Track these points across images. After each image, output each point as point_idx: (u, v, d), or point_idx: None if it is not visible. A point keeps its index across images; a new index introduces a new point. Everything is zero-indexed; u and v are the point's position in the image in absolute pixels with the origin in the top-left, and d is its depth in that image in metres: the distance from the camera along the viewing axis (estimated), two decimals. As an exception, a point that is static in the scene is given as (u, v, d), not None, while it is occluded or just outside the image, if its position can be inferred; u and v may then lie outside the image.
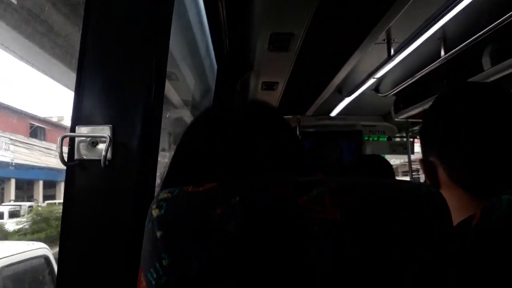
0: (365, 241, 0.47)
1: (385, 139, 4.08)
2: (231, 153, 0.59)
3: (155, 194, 0.51)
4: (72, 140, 0.69)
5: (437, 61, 2.40)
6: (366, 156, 2.00)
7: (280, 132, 0.63)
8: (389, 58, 2.37)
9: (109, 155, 0.67)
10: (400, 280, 0.47)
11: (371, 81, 2.80)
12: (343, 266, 0.46)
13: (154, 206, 0.49)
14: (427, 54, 2.44)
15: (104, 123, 0.68)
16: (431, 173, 0.75)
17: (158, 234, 0.47)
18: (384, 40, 2.29)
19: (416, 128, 4.03)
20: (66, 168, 0.68)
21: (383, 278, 0.47)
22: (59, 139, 0.67)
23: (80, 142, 0.68)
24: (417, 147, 4.50)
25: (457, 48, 2.21)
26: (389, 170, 1.85)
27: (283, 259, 0.46)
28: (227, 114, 0.64)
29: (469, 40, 2.11)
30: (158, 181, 0.72)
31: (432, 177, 0.75)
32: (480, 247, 0.69)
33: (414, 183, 0.52)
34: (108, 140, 0.66)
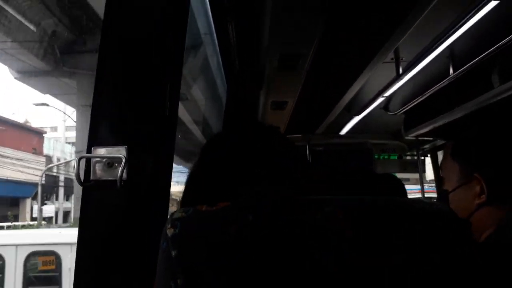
0: (378, 258, 0.47)
1: (396, 157, 4.05)
2: (245, 174, 0.60)
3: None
4: (88, 161, 0.70)
5: (446, 79, 2.40)
6: (378, 175, 1.98)
7: (289, 154, 0.65)
8: (398, 76, 2.38)
9: (124, 175, 0.68)
10: None
11: (380, 100, 2.81)
12: (355, 283, 0.46)
13: (168, 226, 0.50)
14: (435, 72, 2.45)
15: (120, 144, 0.70)
16: (490, 186, 0.78)
17: (173, 253, 0.48)
18: (392, 59, 2.31)
19: (427, 146, 4.00)
20: (83, 188, 0.70)
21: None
22: (76, 160, 0.69)
23: (96, 162, 0.70)
24: (428, 165, 4.46)
25: (465, 67, 2.21)
26: (402, 189, 1.83)
27: (297, 276, 0.46)
28: (241, 137, 0.66)
29: (477, 58, 2.11)
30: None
31: (491, 190, 0.78)
32: (493, 259, 0.69)
33: (425, 202, 0.52)
34: (123, 161, 0.68)
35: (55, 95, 16.11)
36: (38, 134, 24.61)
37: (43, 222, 15.80)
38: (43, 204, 18.13)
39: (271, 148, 0.65)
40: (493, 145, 0.80)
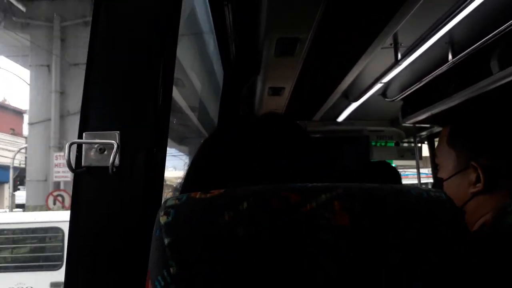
0: (375, 247, 0.46)
1: (393, 144, 4.05)
2: (243, 171, 0.60)
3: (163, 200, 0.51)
4: (79, 146, 0.69)
5: (445, 65, 2.38)
6: (373, 162, 1.99)
7: (298, 144, 0.65)
8: (396, 62, 2.36)
9: (116, 161, 0.66)
10: (409, 286, 0.46)
11: (378, 86, 2.79)
12: (351, 272, 0.46)
13: (161, 213, 0.49)
14: (434, 58, 2.43)
15: (112, 129, 0.68)
16: (487, 175, 0.77)
17: (166, 241, 0.47)
18: (391, 44, 2.28)
19: (424, 133, 4.00)
20: (74, 174, 0.68)
21: (391, 286, 0.46)
22: (66, 145, 0.67)
23: (87, 148, 0.68)
24: (425, 152, 4.47)
25: (465, 52, 2.19)
26: (397, 176, 1.84)
27: (291, 264, 0.46)
28: (239, 133, 0.65)
29: (477, 44, 2.10)
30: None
31: (488, 179, 0.77)
32: (489, 250, 0.69)
33: (422, 188, 0.51)
34: (115, 146, 0.66)
35: (9, 56, 13.80)
36: (17, 113, 23.28)
37: (16, 210, 14.41)
38: (15, 189, 16.89)
39: (270, 144, 0.63)
40: (491, 133, 0.79)
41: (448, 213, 0.48)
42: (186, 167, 0.67)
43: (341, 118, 3.83)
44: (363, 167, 1.93)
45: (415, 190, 0.50)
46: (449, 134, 0.86)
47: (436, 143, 3.97)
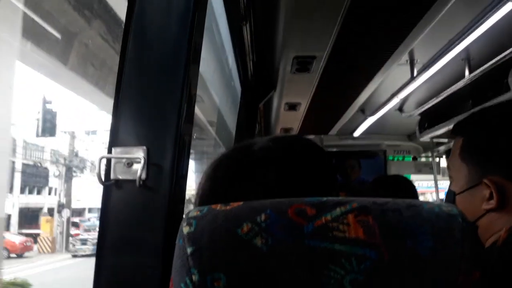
0: (387, 260, 0.48)
1: (410, 159, 4.02)
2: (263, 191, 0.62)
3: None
4: (108, 161, 0.73)
5: (461, 81, 2.37)
6: (389, 176, 1.99)
7: (313, 165, 0.66)
8: (412, 78, 2.36)
9: (143, 175, 0.70)
10: None
11: (394, 101, 2.79)
12: (365, 285, 0.47)
13: (184, 224, 0.51)
14: (451, 74, 2.43)
15: (139, 144, 0.72)
16: (500, 192, 0.74)
17: (189, 250, 0.49)
18: (407, 61, 2.29)
19: (442, 147, 3.96)
20: (103, 187, 0.72)
21: None
22: (97, 159, 0.72)
23: (116, 162, 0.73)
24: (443, 167, 4.41)
25: (481, 68, 2.18)
26: (412, 190, 1.83)
27: (306, 275, 0.47)
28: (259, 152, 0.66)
29: (494, 60, 2.09)
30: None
31: (501, 196, 0.74)
32: (501, 266, 0.68)
33: (434, 203, 0.53)
34: (142, 161, 0.70)
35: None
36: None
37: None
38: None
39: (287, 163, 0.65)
40: (503, 149, 0.75)
41: (459, 228, 0.49)
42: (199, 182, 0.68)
43: (357, 133, 3.83)
44: (378, 181, 1.93)
45: (427, 204, 0.51)
46: (461, 147, 0.81)
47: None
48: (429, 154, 4.08)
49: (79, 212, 27.18)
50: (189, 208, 0.54)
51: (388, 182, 1.89)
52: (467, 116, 0.84)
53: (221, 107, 2.57)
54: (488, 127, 0.79)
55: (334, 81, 2.44)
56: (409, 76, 2.36)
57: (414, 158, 4.05)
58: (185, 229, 0.50)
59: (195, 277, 0.48)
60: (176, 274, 0.50)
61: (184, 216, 0.52)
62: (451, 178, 0.85)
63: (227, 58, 2.11)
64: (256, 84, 2.34)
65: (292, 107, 2.70)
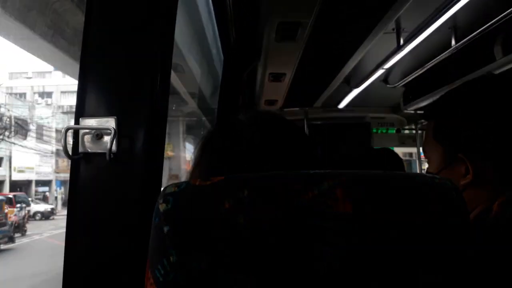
0: (377, 236, 0.45)
1: (394, 131, 4.04)
2: (251, 158, 0.60)
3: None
4: (76, 132, 0.67)
5: (448, 50, 2.36)
6: (376, 149, 1.97)
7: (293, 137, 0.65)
8: (399, 48, 2.34)
9: (114, 148, 0.65)
10: (414, 275, 0.45)
11: (380, 72, 2.77)
12: (353, 261, 0.45)
13: (160, 201, 0.48)
14: (437, 43, 2.40)
15: (109, 115, 0.67)
16: (474, 167, 0.76)
17: (165, 229, 0.46)
18: (393, 29, 2.26)
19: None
20: (71, 161, 0.67)
21: (395, 273, 0.45)
22: (63, 131, 0.66)
23: (84, 134, 0.67)
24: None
25: (468, 37, 2.17)
26: (399, 164, 1.82)
27: (292, 252, 0.45)
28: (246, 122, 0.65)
29: (480, 29, 2.07)
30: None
31: (475, 171, 0.76)
32: (495, 240, 0.69)
33: (427, 175, 0.50)
34: (113, 132, 0.65)
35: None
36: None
37: None
38: None
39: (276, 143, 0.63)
40: (475, 130, 0.77)
41: (453, 200, 0.47)
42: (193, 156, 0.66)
43: (342, 105, 3.81)
44: (365, 154, 1.91)
45: (420, 176, 0.49)
46: (433, 129, 0.84)
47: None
48: (413, 127, 4.10)
49: (21, 187, 24.74)
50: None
51: (375, 155, 1.87)
52: (436, 100, 0.86)
53: (203, 77, 2.50)
54: (456, 108, 0.80)
55: (320, 50, 2.39)
56: (395, 45, 2.33)
57: (398, 131, 4.07)
58: (161, 206, 0.47)
59: (173, 258, 0.45)
60: (152, 255, 0.47)
61: (160, 192, 0.48)
62: (428, 161, 0.87)
63: (208, 25, 2.02)
64: (239, 54, 2.27)
65: (277, 77, 2.64)
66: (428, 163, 0.88)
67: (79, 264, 0.66)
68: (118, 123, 0.66)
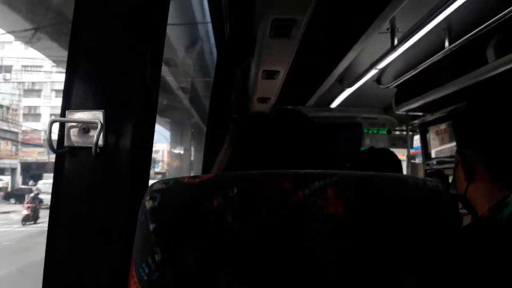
0: (367, 239, 0.44)
1: (385, 132, 4.05)
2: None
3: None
4: (62, 125, 0.65)
5: (441, 52, 2.36)
6: (375, 150, 1.96)
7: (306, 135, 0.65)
8: (392, 48, 2.33)
9: (101, 142, 0.63)
10: (403, 284, 0.44)
11: (373, 72, 2.76)
12: (341, 264, 0.44)
13: (147, 198, 0.47)
14: (431, 45, 2.40)
15: (96, 108, 0.65)
16: (467, 165, 0.81)
17: (151, 227, 0.46)
18: (387, 29, 2.25)
19: (416, 121, 3.99)
20: (56, 155, 0.65)
21: (385, 280, 0.44)
22: (48, 123, 0.64)
23: (70, 127, 0.65)
24: (416, 141, 4.47)
25: (461, 40, 2.17)
26: (397, 164, 1.81)
27: (280, 252, 0.44)
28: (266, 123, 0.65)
29: (474, 31, 2.07)
30: None
31: (467, 168, 0.81)
32: (485, 242, 0.69)
33: (419, 178, 0.50)
34: (99, 126, 0.63)
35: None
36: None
37: None
38: None
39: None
40: (471, 124, 0.83)
41: (444, 203, 0.46)
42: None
43: (334, 104, 3.81)
44: (357, 154, 1.90)
45: (412, 179, 0.48)
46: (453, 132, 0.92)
47: (428, 132, 3.98)
48: (404, 128, 4.11)
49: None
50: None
51: (373, 155, 1.85)
52: (447, 95, 0.95)
53: (196, 72, 2.47)
54: (464, 111, 0.86)
55: (314, 48, 2.38)
56: (389, 45, 2.32)
57: (389, 132, 4.08)
58: (148, 203, 0.46)
59: (158, 256, 0.44)
60: (137, 253, 0.46)
61: (148, 189, 0.47)
62: None
63: (203, 19, 2.00)
64: (233, 50, 2.25)
65: (270, 75, 2.62)
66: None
67: (61, 260, 0.64)
68: (106, 117, 0.64)
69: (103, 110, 0.64)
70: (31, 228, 13.87)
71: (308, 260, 0.44)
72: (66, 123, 0.65)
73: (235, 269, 0.43)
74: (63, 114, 0.65)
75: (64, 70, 0.67)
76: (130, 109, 0.65)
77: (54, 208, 0.65)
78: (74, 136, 0.65)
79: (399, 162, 1.83)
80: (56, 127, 0.66)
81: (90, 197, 0.65)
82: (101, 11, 0.69)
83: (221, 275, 0.43)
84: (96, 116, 0.64)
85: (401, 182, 0.47)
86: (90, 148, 0.63)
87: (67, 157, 0.65)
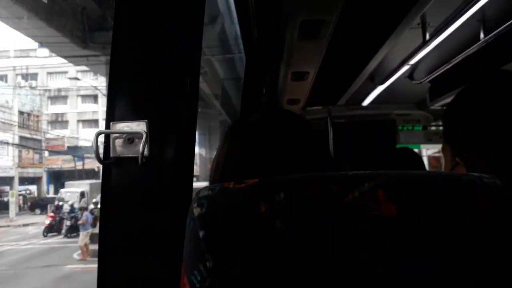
0: (422, 242, 0.42)
1: (420, 128, 3.94)
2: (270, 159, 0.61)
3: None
4: (107, 137, 0.67)
5: (476, 44, 2.28)
6: (396, 149, 1.93)
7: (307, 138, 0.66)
8: (424, 43, 2.28)
9: (146, 151, 0.65)
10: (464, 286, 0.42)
11: (405, 68, 2.71)
12: (396, 268, 0.42)
13: (195, 205, 0.47)
14: (464, 37, 2.33)
15: (139, 118, 0.66)
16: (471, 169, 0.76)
17: (201, 234, 0.45)
18: (418, 24, 2.20)
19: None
20: (103, 166, 0.67)
21: (443, 285, 0.42)
22: (94, 135, 0.66)
23: (115, 138, 0.67)
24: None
25: (497, 30, 2.09)
26: (420, 163, 1.77)
27: (331, 258, 0.43)
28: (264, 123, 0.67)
29: (510, 21, 2.00)
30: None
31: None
32: None
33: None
34: (144, 136, 0.64)
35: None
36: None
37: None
38: None
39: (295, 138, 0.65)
40: (469, 127, 0.77)
41: (504, 200, 0.44)
42: (215, 156, 0.66)
43: (366, 102, 3.75)
44: (386, 155, 1.86)
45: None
46: (443, 130, 0.85)
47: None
48: (440, 123, 3.99)
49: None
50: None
51: (395, 154, 1.82)
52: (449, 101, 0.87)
53: (226, 78, 2.50)
54: (459, 109, 0.81)
55: (344, 47, 2.35)
56: (420, 40, 2.27)
57: (424, 127, 3.96)
58: (195, 210, 0.46)
59: (209, 263, 0.44)
60: (188, 261, 0.46)
61: (194, 196, 0.47)
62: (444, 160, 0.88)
63: (231, 25, 2.01)
64: (262, 53, 2.25)
65: (299, 76, 2.61)
66: (443, 163, 0.88)
67: (112, 267, 0.66)
68: (149, 127, 0.66)
69: (146, 121, 0.66)
70: (51, 240, 13.62)
71: (362, 264, 0.43)
72: (111, 135, 0.67)
73: (285, 276, 0.43)
74: (107, 126, 0.68)
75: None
76: (172, 119, 0.67)
77: (103, 217, 0.67)
78: (119, 147, 0.67)
79: (421, 160, 1.79)
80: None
81: (137, 204, 0.67)
82: (140, 23, 0.71)
83: (271, 280, 0.43)
84: (140, 126, 0.66)
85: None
86: (135, 158, 0.65)
87: (113, 168, 0.67)
